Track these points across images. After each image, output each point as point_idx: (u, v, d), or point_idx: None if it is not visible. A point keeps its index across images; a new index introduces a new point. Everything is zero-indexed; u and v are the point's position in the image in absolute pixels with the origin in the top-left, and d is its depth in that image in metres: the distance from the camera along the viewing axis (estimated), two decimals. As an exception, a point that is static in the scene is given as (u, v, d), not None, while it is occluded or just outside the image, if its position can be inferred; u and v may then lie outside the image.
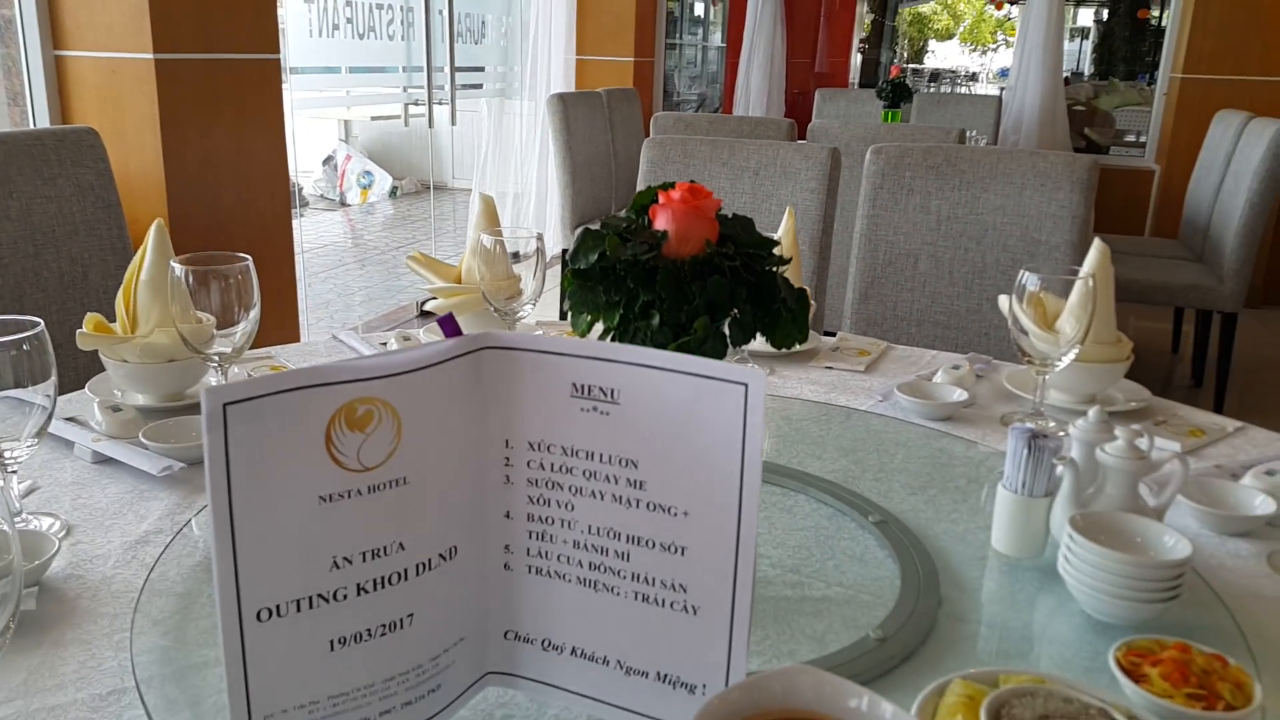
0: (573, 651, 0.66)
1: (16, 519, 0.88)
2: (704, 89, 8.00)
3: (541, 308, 1.33)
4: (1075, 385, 1.31)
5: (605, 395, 0.61)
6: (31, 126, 2.52)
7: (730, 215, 0.80)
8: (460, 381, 0.62)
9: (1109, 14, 9.06)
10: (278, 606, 0.56)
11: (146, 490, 0.98)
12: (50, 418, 0.87)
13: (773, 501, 1.02)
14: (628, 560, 0.63)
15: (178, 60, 2.48)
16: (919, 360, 1.51)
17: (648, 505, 0.62)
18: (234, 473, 0.53)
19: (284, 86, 2.94)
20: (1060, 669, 0.76)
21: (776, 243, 0.78)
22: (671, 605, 0.62)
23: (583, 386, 0.61)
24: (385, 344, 1.41)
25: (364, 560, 0.59)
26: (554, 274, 4.32)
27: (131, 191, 2.50)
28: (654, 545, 0.62)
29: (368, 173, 7.03)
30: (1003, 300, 1.46)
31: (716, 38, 8.32)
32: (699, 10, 8.33)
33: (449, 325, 0.61)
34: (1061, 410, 1.30)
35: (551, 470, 0.64)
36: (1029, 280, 1.22)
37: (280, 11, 2.94)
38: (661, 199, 0.76)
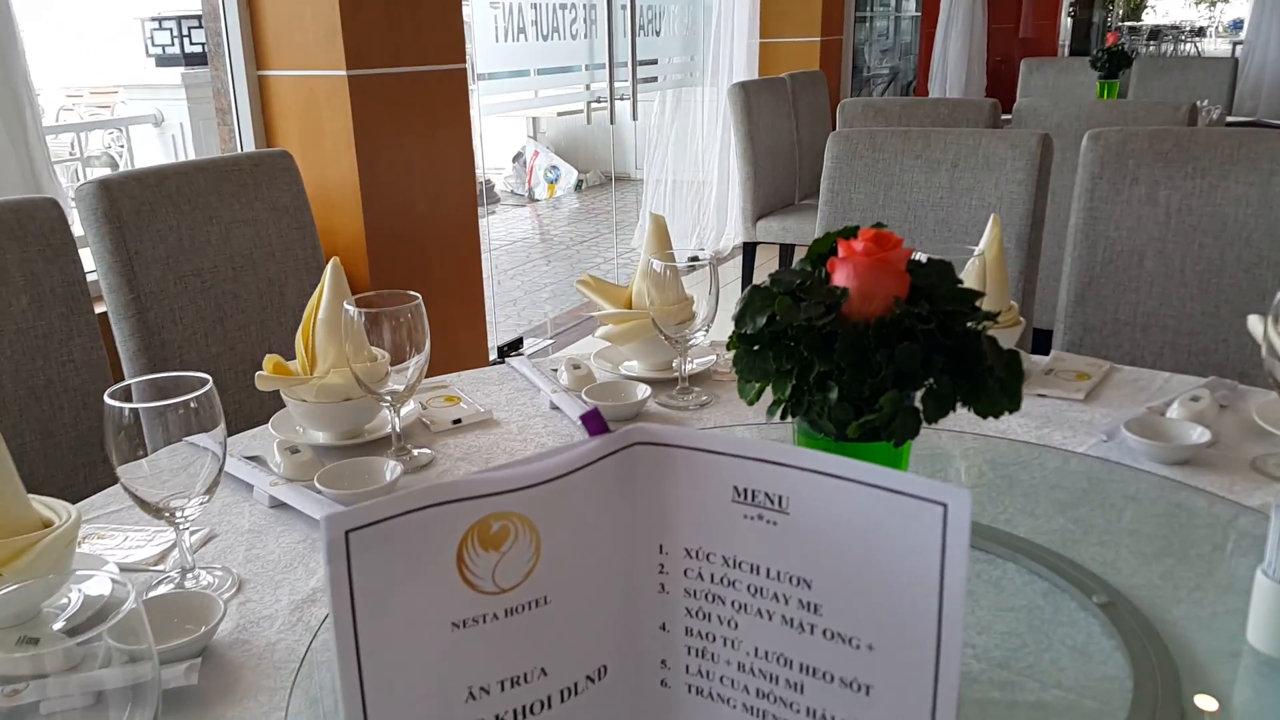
0: (739, 783, 0.58)
1: (189, 575, 0.89)
2: (896, 62, 7.63)
3: (716, 328, 1.25)
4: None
5: (772, 503, 0.52)
6: (237, 142, 2.66)
7: (924, 260, 0.69)
8: (607, 484, 0.54)
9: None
10: (408, 742, 0.51)
11: (319, 539, 0.98)
12: (221, 469, 0.87)
13: (976, 571, 0.89)
14: (801, 692, 0.54)
15: (369, 76, 2.55)
16: (1149, 385, 1.33)
17: (824, 632, 0.52)
18: (359, 603, 0.48)
19: (472, 90, 2.99)
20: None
21: (980, 294, 0.66)
22: (854, 749, 0.53)
23: (746, 491, 0.53)
24: (556, 370, 1.37)
25: (503, 690, 0.53)
26: (734, 268, 4.22)
27: (329, 202, 2.60)
28: (832, 679, 0.53)
29: (554, 167, 7.15)
30: (1253, 322, 1.25)
31: (911, 6, 7.91)
32: (892, -22, 7.94)
33: (594, 423, 0.54)
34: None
35: (712, 581, 0.56)
36: (1291, 302, 1.03)
37: (467, 12, 2.98)
38: (841, 250, 0.65)
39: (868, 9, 6.99)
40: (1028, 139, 1.98)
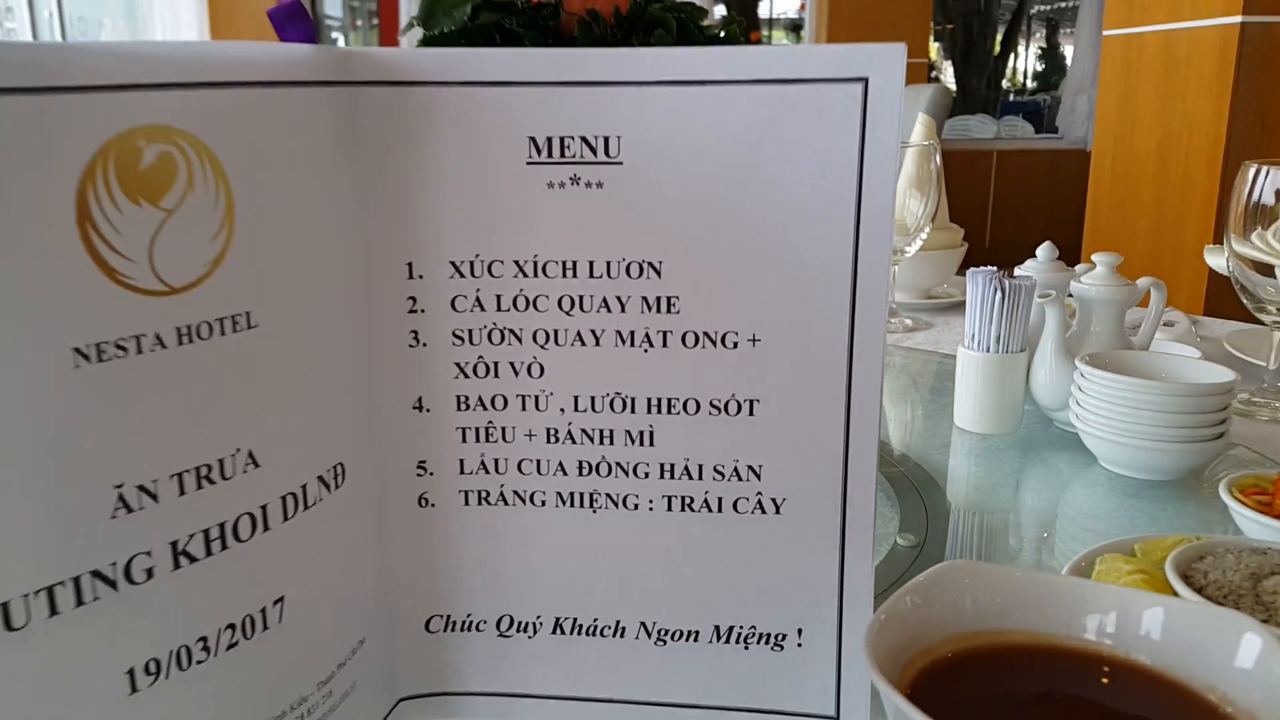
0: (556, 628, 0.39)
1: None
2: None
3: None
4: (912, 279, 1.20)
5: (594, 150, 0.35)
6: None
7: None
8: (318, 143, 0.33)
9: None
10: (5, 608, 0.24)
11: None
12: None
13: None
14: (649, 443, 0.37)
15: None
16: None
17: (684, 338, 0.36)
18: None
19: None
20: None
21: (705, 12, 0.55)
22: (736, 506, 0.37)
23: (551, 142, 0.35)
24: None
25: (181, 491, 0.28)
26: None
27: None
28: (697, 408, 0.37)
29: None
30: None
31: None
32: None
33: (295, 26, 0.32)
34: (904, 307, 1.17)
35: (499, 310, 0.36)
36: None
37: None
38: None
39: None
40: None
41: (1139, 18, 2.41)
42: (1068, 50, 5.95)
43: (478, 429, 0.37)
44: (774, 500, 0.37)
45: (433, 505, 0.38)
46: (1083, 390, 0.65)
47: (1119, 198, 2.51)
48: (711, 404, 0.36)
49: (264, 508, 0.30)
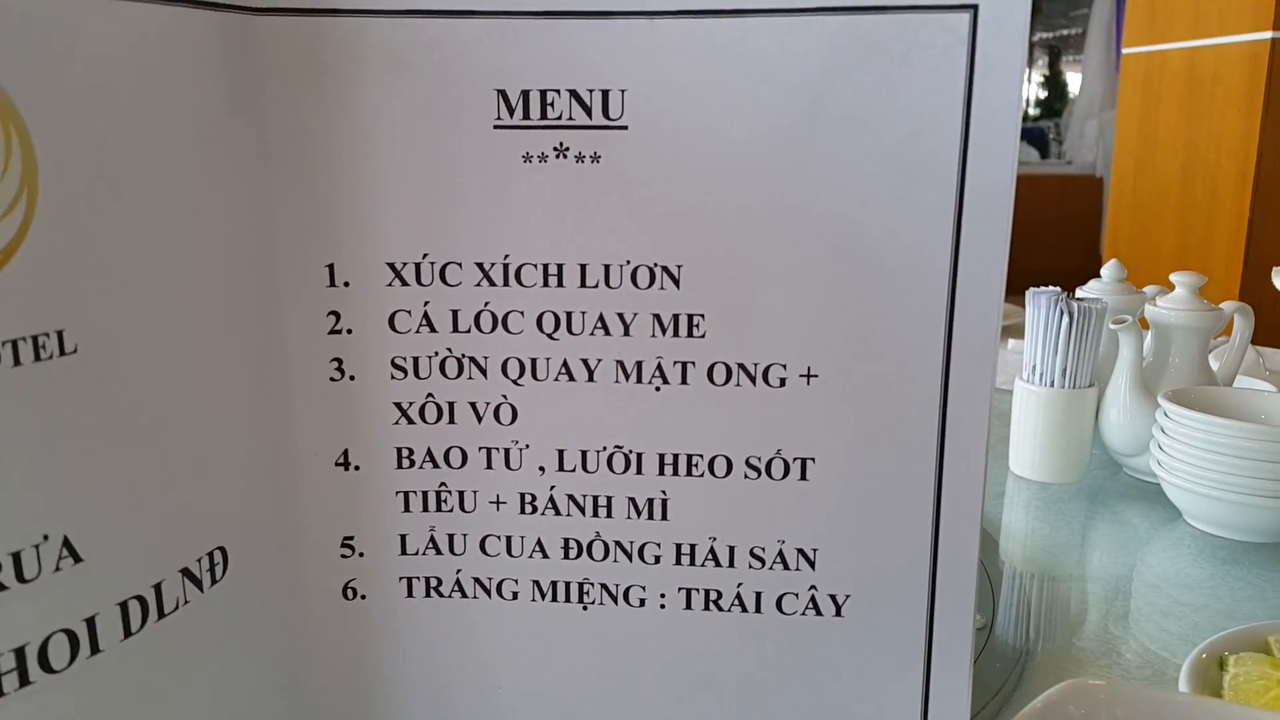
0: (531, 762, 0.28)
1: None
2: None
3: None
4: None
5: (590, 110, 0.25)
6: None
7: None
8: (199, 91, 0.23)
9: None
10: None
11: None
12: None
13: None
14: (660, 516, 0.27)
15: None
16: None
17: (710, 372, 0.26)
18: None
19: None
20: (1226, 620, 0.49)
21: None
22: (780, 604, 0.27)
23: (528, 98, 0.25)
24: None
25: (-69, 612, 0.18)
26: None
27: None
28: (726, 468, 0.27)
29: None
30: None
31: None
32: None
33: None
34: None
35: (453, 330, 0.26)
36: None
37: None
38: None
39: None
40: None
41: (1161, 35, 2.33)
42: (1072, 77, 5.90)
43: (425, 494, 0.27)
44: (832, 597, 0.27)
45: (363, 597, 0.28)
46: (1167, 433, 0.55)
47: (1140, 222, 2.42)
48: (748, 463, 0.26)
49: (91, 621, 0.20)
